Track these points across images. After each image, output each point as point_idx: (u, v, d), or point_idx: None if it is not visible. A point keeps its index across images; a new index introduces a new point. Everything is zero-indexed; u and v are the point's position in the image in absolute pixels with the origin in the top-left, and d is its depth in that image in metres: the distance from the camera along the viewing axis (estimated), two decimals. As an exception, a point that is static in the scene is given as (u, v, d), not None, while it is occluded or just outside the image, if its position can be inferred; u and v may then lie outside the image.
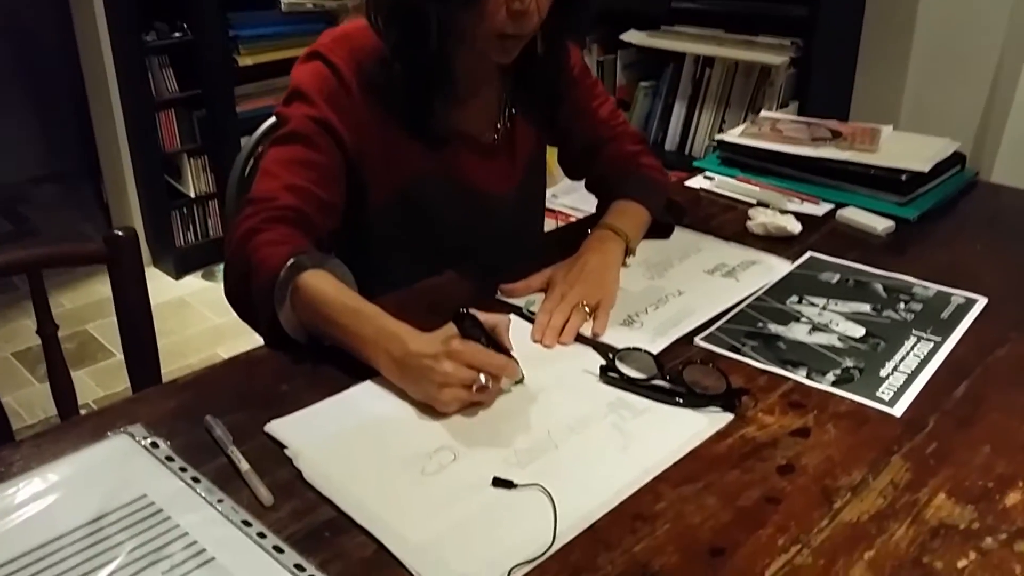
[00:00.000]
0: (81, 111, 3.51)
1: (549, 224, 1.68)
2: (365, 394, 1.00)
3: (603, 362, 1.04)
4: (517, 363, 0.98)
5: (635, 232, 1.31)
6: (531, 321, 1.14)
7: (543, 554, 0.78)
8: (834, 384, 1.03)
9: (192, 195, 3.36)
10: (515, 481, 0.86)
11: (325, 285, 1.04)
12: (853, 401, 1.00)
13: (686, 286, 1.24)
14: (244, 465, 0.89)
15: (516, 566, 0.77)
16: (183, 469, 0.89)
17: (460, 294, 1.23)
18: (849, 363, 1.07)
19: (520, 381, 1.00)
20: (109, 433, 0.94)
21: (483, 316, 0.98)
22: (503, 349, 0.98)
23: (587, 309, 1.15)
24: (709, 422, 0.96)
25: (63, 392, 1.20)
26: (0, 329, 3.11)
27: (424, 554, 0.78)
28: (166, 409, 0.99)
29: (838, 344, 1.11)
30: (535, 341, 1.11)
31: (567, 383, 1.03)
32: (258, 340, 1.12)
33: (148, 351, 1.23)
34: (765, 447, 0.92)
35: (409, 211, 1.30)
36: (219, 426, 0.94)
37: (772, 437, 0.94)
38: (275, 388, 1.02)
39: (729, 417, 0.97)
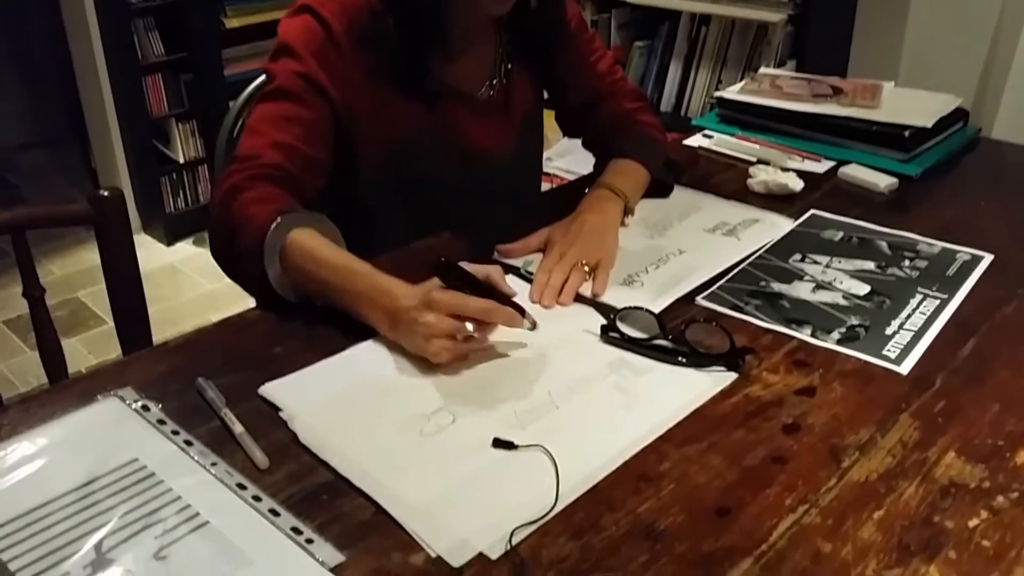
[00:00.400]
0: (67, 76, 3.44)
1: (544, 188, 1.65)
2: (362, 355, 0.98)
3: (604, 322, 1.02)
4: (524, 312, 0.96)
5: (634, 191, 1.29)
6: (529, 281, 1.12)
7: (545, 515, 0.77)
8: (839, 342, 1.01)
9: (181, 160, 3.31)
10: (516, 442, 0.84)
11: (314, 243, 1.01)
12: (859, 359, 0.98)
13: (687, 245, 1.22)
14: (238, 428, 0.87)
15: (518, 527, 0.75)
16: (175, 432, 0.87)
17: (456, 254, 1.20)
18: (854, 321, 1.05)
19: (533, 328, 0.98)
20: (99, 397, 0.91)
21: (473, 267, 0.96)
22: (503, 298, 0.95)
23: (586, 268, 1.12)
24: (713, 382, 0.94)
25: (52, 355, 1.17)
26: (-10, 297, 3.08)
27: (424, 516, 0.77)
28: (157, 372, 0.97)
29: (842, 302, 1.09)
30: (534, 302, 1.09)
31: (567, 343, 1.00)
32: (252, 304, 1.10)
33: (139, 314, 1.20)
34: (770, 406, 0.91)
35: (402, 171, 1.27)
36: (212, 388, 0.92)
37: (777, 396, 0.92)
38: (268, 350, 1.00)
39: (733, 376, 0.95)
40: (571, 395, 0.92)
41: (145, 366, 0.98)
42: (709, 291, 1.11)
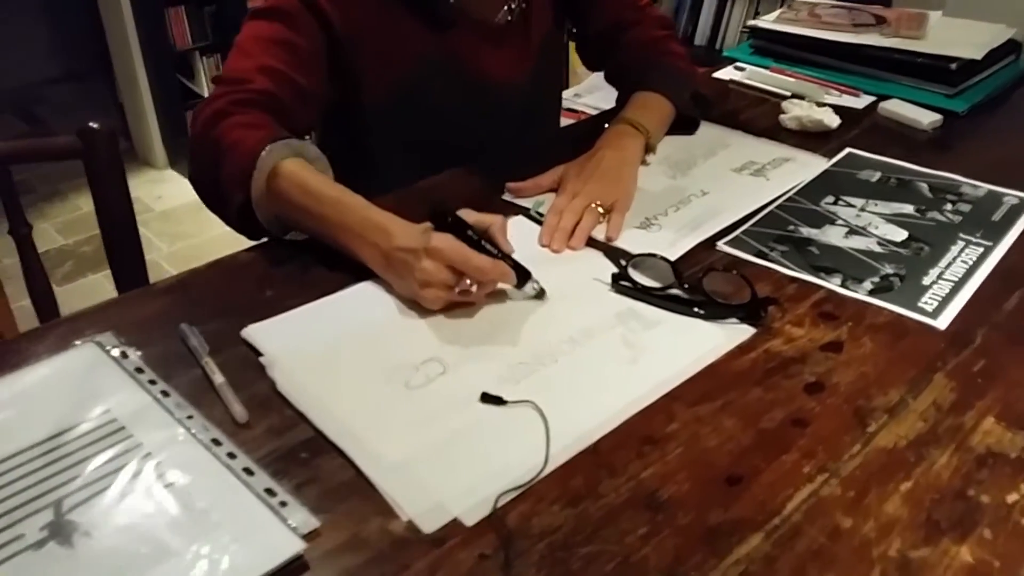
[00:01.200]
0: (92, 9, 3.38)
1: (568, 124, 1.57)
2: (352, 298, 0.92)
3: (615, 269, 0.95)
4: (527, 272, 0.89)
5: (656, 127, 1.20)
6: (540, 224, 1.05)
7: (532, 479, 0.70)
8: (871, 293, 0.93)
9: (206, 94, 3.25)
10: (505, 397, 0.78)
11: (306, 172, 0.95)
12: (892, 312, 0.90)
13: (711, 186, 1.14)
14: (218, 377, 0.81)
15: (503, 493, 0.69)
16: (152, 382, 0.82)
17: (464, 193, 1.13)
18: (888, 269, 0.96)
19: (539, 296, 0.91)
20: (77, 342, 0.86)
21: (473, 216, 0.89)
22: (502, 254, 0.88)
23: (600, 210, 1.05)
24: (729, 335, 0.87)
25: (42, 298, 1.13)
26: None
27: (399, 476, 0.71)
28: (142, 316, 0.92)
29: (877, 249, 1.00)
30: (543, 245, 1.01)
31: (574, 291, 0.93)
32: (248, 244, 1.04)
33: (133, 253, 1.15)
34: (792, 363, 0.83)
35: (409, 103, 1.19)
36: (195, 335, 0.87)
37: (800, 352, 0.85)
38: (259, 294, 0.94)
39: (752, 330, 0.87)
40: (573, 348, 0.85)
41: (130, 309, 0.93)
42: (732, 236, 1.03)
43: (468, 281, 0.85)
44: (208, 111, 1.01)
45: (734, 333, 0.87)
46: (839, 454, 0.73)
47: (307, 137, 1.07)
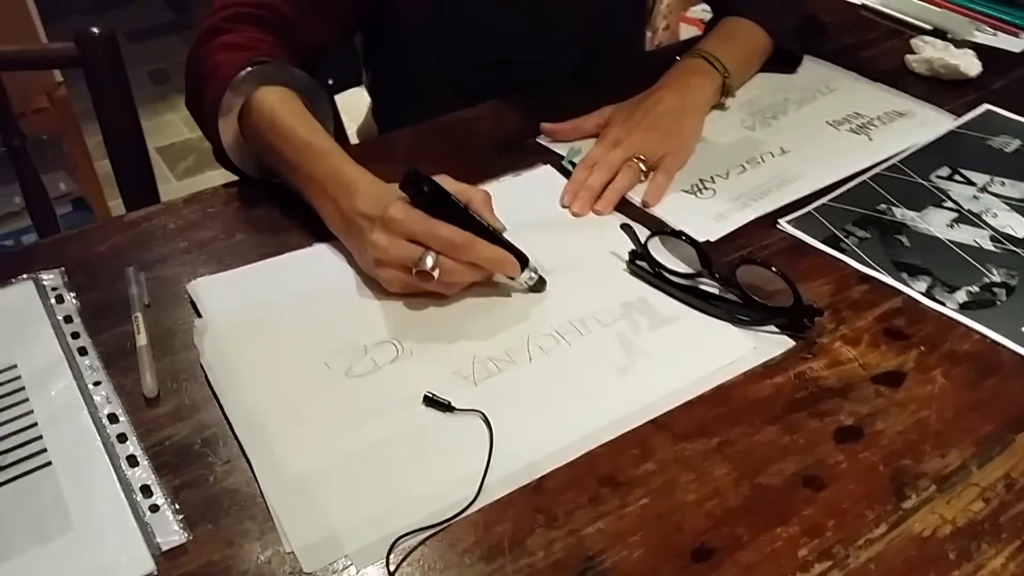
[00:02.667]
0: None
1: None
2: (313, 259, 0.79)
3: (634, 245, 0.77)
4: (523, 257, 0.72)
5: (739, 64, 0.99)
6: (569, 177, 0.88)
7: (451, 519, 0.56)
8: (963, 307, 0.71)
9: None
10: (453, 403, 0.64)
11: (281, 105, 0.81)
12: (983, 337, 0.69)
13: (795, 142, 0.92)
14: (142, 338, 0.71)
15: (407, 534, 0.56)
16: (75, 335, 0.72)
17: (494, 130, 0.97)
18: (996, 276, 0.74)
19: (536, 288, 0.74)
20: (13, 280, 0.78)
21: (452, 185, 0.73)
22: (488, 233, 0.71)
23: (643, 167, 0.86)
24: (758, 347, 0.68)
25: (38, 208, 1.06)
26: (148, 122, 3.12)
27: (296, 494, 0.59)
28: (97, 253, 0.82)
29: (988, 245, 0.78)
30: (564, 206, 0.85)
31: (582, 269, 0.77)
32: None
33: (139, 165, 1.06)
34: (829, 396, 0.65)
35: (452, 14, 1.02)
36: (137, 283, 0.77)
37: (845, 381, 0.66)
38: (229, 237, 0.83)
39: (789, 343, 0.69)
40: (555, 344, 0.69)
41: (88, 243, 0.83)
42: (801, 212, 0.83)
43: (429, 262, 0.69)
44: (202, 27, 0.88)
45: (766, 345, 0.69)
46: (855, 536, 0.55)
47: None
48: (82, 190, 2.12)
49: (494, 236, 0.71)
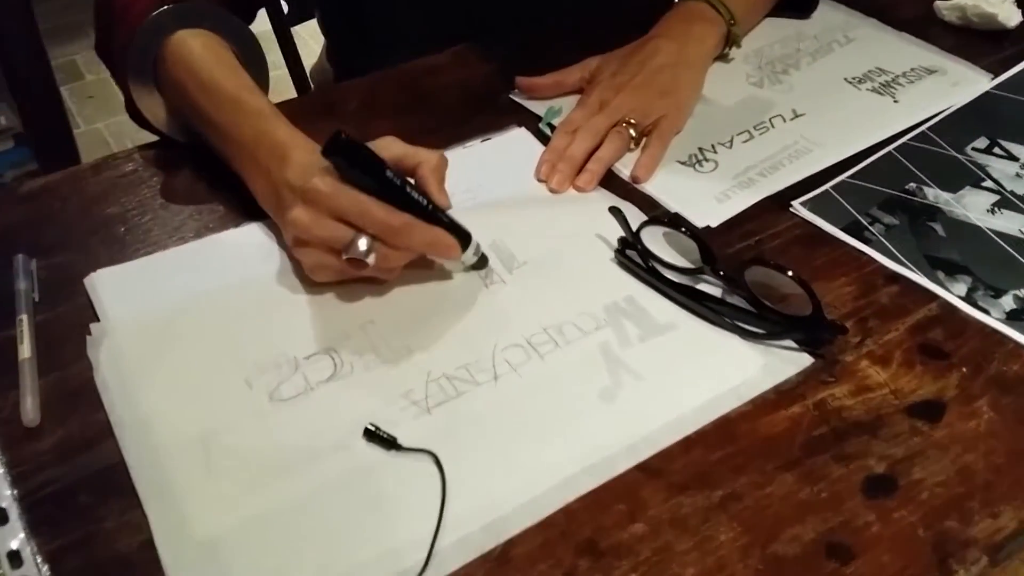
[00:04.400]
0: None
1: None
2: (244, 243, 0.66)
3: (624, 232, 0.65)
4: (465, 233, 0.60)
5: (747, 8, 0.85)
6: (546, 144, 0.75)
7: (393, 606, 0.45)
8: (1011, 317, 0.60)
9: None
10: (399, 439, 0.52)
11: (204, 54, 0.67)
12: (1039, 357, 0.58)
13: (809, 103, 0.80)
14: (25, 350, 0.58)
15: (334, 629, 0.45)
16: (-56, 342, 0.60)
17: (462, 82, 0.83)
18: (1050, 278, 0.63)
19: (478, 265, 0.63)
20: None
21: (399, 147, 0.60)
22: (425, 209, 0.58)
23: (633, 132, 0.74)
24: (772, 366, 0.57)
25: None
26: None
27: (200, 568, 0.47)
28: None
29: (1038, 237, 0.66)
30: (539, 180, 0.72)
31: (558, 260, 0.64)
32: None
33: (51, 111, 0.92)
34: (858, 431, 0.53)
35: None
36: (27, 275, 0.64)
37: (874, 412, 0.54)
38: (142, 214, 0.70)
39: (808, 362, 0.57)
40: (527, 359, 0.57)
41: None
42: (818, 191, 0.70)
43: (363, 246, 0.56)
44: None
45: (777, 363, 0.57)
46: (892, 628, 0.45)
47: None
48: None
49: (433, 213, 0.59)
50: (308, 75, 1.22)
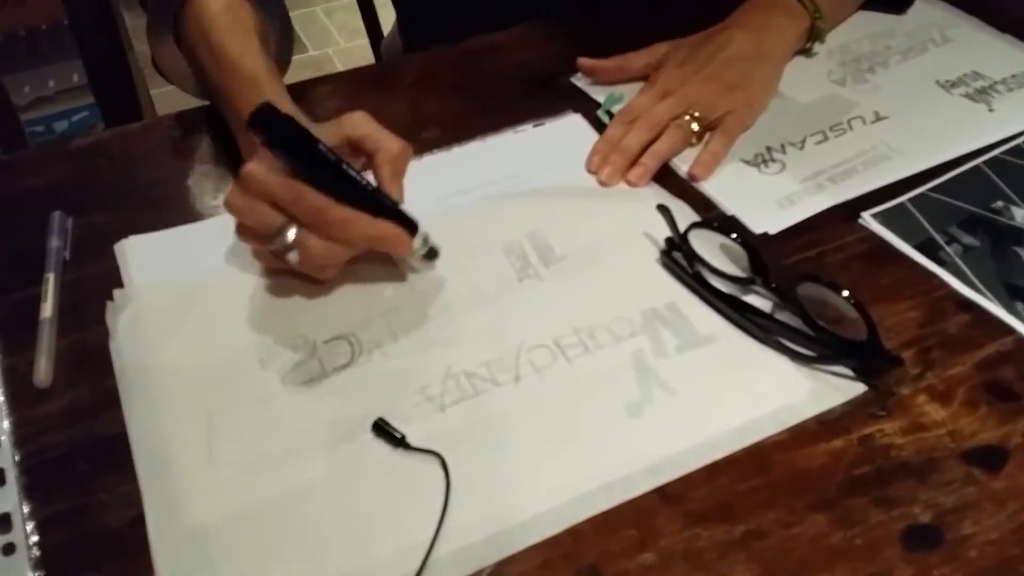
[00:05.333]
0: None
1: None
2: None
3: (670, 233, 0.60)
4: (412, 223, 0.55)
5: (833, 2, 0.79)
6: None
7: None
8: (1098, 360, 0.54)
9: None
10: (408, 437, 0.50)
11: (222, 18, 0.65)
12: (1124, 408, 0.52)
13: (893, 105, 0.73)
14: (47, 308, 0.58)
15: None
16: (-28, 295, 0.60)
17: (523, 63, 0.79)
18: None
19: (428, 257, 0.58)
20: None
21: (365, 125, 0.56)
22: (367, 193, 0.53)
23: (696, 126, 0.69)
24: (815, 392, 0.52)
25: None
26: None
27: (187, 554, 0.45)
28: (28, 186, 0.69)
29: None
30: (590, 171, 0.68)
31: (599, 258, 0.60)
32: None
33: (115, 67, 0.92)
34: (905, 474, 0.48)
35: None
36: (61, 233, 0.63)
37: (926, 455, 0.49)
38: (182, 179, 0.69)
39: (860, 389, 0.52)
40: (552, 360, 0.54)
41: (22, 175, 0.70)
42: (892, 203, 0.65)
43: (290, 236, 0.52)
44: None
45: (825, 390, 0.52)
46: None
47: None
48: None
49: (376, 199, 0.53)
50: (382, 49, 1.20)
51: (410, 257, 0.57)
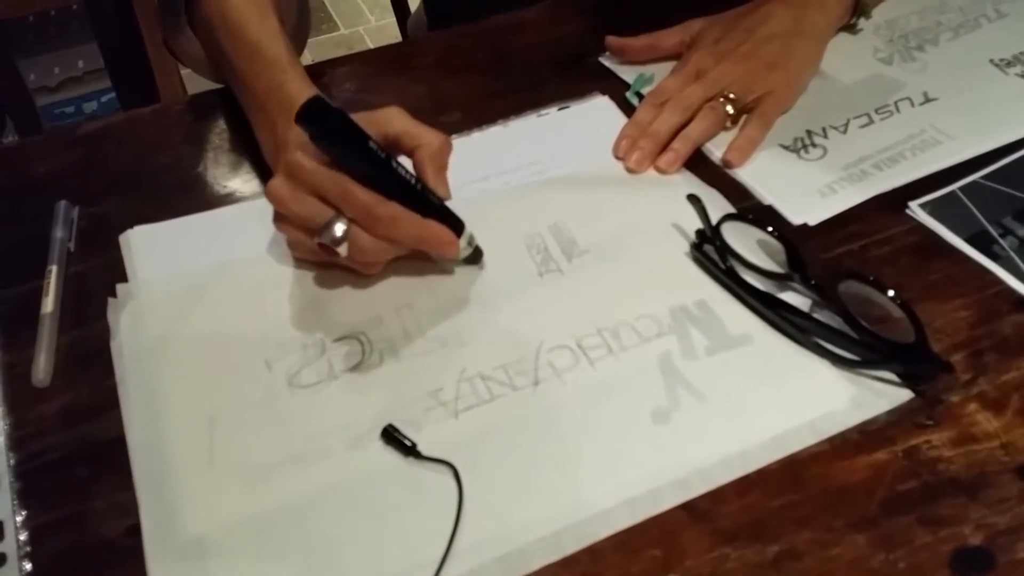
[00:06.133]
0: None
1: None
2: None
3: (703, 224, 0.57)
4: (458, 222, 0.53)
5: (880, -27, 0.74)
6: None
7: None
8: None
9: None
10: (419, 446, 0.47)
11: None
12: None
13: (944, 86, 0.69)
14: (48, 303, 0.56)
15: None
16: (-27, 288, 0.58)
17: (549, 41, 0.76)
18: None
19: (472, 260, 0.56)
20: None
21: (401, 122, 0.53)
22: (415, 192, 0.51)
23: (731, 108, 0.65)
24: (857, 399, 0.48)
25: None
26: None
27: (183, 569, 0.43)
28: (34, 174, 0.67)
29: None
30: (617, 157, 0.64)
31: (626, 252, 0.57)
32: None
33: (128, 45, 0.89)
34: (954, 491, 0.45)
35: None
36: (65, 223, 0.61)
37: (979, 469, 0.45)
38: (192, 166, 0.66)
39: (906, 396, 0.49)
40: (574, 362, 0.51)
41: (28, 160, 0.68)
42: (942, 192, 0.60)
43: (338, 231, 0.50)
44: None
45: (868, 397, 0.48)
46: None
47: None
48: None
49: (424, 197, 0.51)
50: (409, 25, 1.17)
51: (453, 261, 0.55)
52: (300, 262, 0.56)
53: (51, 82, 1.78)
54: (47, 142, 0.72)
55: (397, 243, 0.51)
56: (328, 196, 0.50)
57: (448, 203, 0.53)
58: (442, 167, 0.53)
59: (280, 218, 0.53)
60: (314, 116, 0.48)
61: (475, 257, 0.55)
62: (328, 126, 0.49)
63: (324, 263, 0.55)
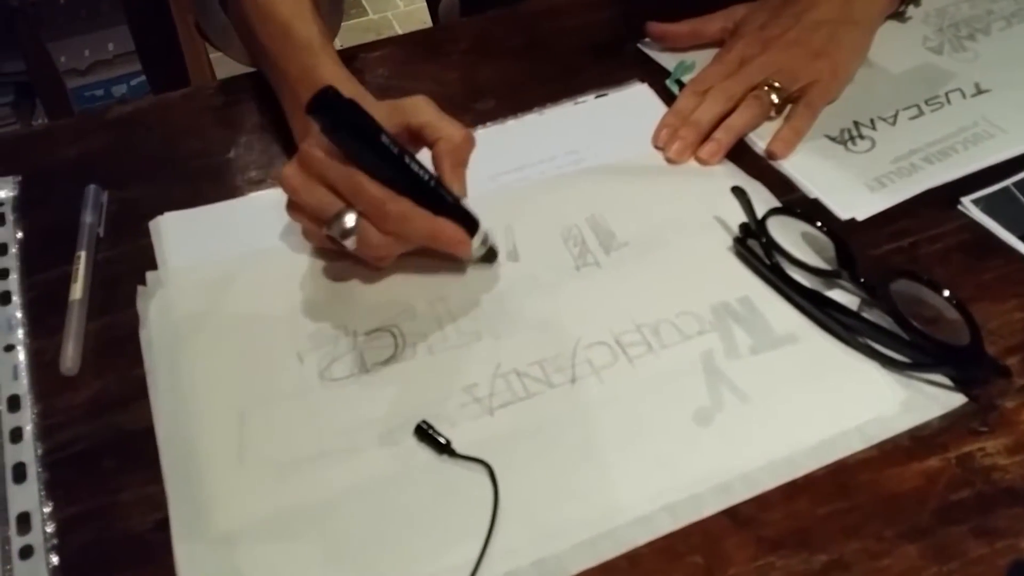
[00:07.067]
0: None
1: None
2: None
3: (747, 218, 0.55)
4: (472, 220, 0.51)
5: (932, -42, 0.72)
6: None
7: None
8: None
9: None
10: (453, 443, 0.45)
11: None
12: None
13: (996, 77, 0.66)
14: (76, 289, 0.55)
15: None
16: (3, 273, 0.57)
17: (588, 26, 0.74)
18: None
19: (486, 260, 0.54)
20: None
21: (427, 112, 0.51)
22: (429, 188, 0.50)
23: (776, 98, 0.63)
24: (909, 403, 0.47)
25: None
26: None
27: (212, 565, 0.42)
28: (63, 157, 0.66)
29: None
30: (657, 147, 0.62)
31: (666, 246, 0.55)
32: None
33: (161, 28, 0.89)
34: (1009, 501, 0.43)
35: None
36: (95, 208, 0.60)
37: (1034, 478, 0.44)
38: (224, 151, 0.65)
39: (959, 401, 0.47)
40: (612, 360, 0.49)
41: (58, 143, 0.67)
42: (996, 187, 0.58)
43: (348, 223, 0.48)
44: None
45: (920, 401, 0.47)
46: None
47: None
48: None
49: (438, 194, 0.50)
50: (439, 10, 1.15)
51: (467, 259, 0.53)
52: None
53: (81, 65, 1.78)
54: (77, 126, 0.71)
55: (407, 240, 0.50)
56: (339, 188, 0.48)
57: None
58: (460, 163, 0.52)
59: (292, 206, 0.51)
60: (324, 107, 0.47)
61: (489, 257, 0.54)
62: (339, 118, 0.47)
63: (334, 252, 0.53)
